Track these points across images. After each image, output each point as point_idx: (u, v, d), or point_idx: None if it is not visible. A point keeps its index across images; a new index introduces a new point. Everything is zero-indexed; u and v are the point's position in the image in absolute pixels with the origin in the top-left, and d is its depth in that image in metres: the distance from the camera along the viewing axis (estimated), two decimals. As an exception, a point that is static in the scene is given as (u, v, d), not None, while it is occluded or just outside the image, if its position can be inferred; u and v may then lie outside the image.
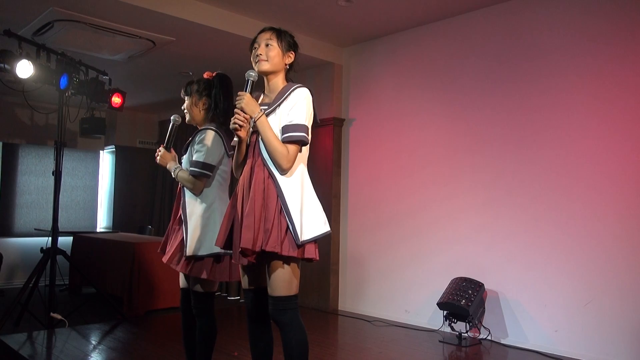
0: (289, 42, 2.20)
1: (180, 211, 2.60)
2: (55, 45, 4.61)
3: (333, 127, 5.38)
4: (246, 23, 4.64)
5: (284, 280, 2.05)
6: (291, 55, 2.20)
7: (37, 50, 4.39)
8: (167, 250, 2.62)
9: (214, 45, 4.92)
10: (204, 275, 2.51)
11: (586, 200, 3.71)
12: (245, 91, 2.10)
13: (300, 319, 2.10)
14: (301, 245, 2.02)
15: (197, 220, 2.53)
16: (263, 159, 2.08)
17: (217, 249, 2.47)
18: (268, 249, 1.98)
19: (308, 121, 2.09)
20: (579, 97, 3.80)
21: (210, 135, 2.56)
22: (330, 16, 4.63)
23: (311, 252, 2.06)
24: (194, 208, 2.57)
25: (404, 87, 4.95)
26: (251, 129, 2.14)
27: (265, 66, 2.14)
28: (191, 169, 2.54)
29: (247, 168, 2.15)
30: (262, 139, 2.06)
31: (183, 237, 2.54)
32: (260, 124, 2.05)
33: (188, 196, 2.60)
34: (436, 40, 4.72)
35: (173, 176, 2.62)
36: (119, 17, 4.22)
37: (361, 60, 5.36)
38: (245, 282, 2.25)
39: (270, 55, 2.14)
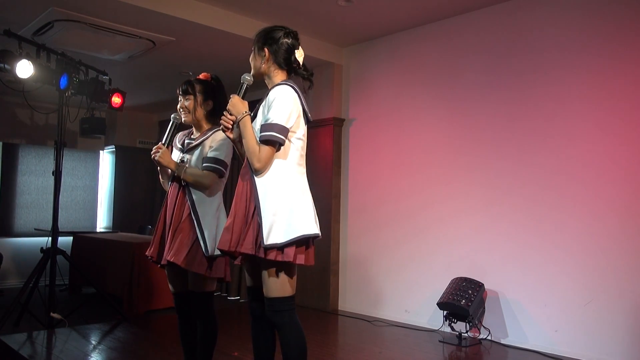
0: (260, 44, 2.19)
1: (189, 212, 2.54)
2: (55, 45, 4.61)
3: (333, 127, 5.38)
4: (246, 23, 4.64)
5: (276, 282, 2.03)
6: (263, 54, 2.17)
7: (37, 50, 4.38)
8: (171, 252, 2.49)
9: (214, 45, 4.92)
10: (221, 274, 2.54)
11: (586, 200, 3.71)
12: (238, 94, 2.12)
13: (297, 319, 2.08)
14: (270, 248, 1.96)
15: (211, 221, 2.53)
16: (249, 166, 2.10)
17: None
18: (242, 250, 1.98)
19: (286, 120, 2.03)
20: (580, 97, 3.79)
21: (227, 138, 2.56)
22: (330, 16, 4.63)
23: (289, 256, 1.98)
24: (205, 208, 2.55)
25: (404, 87, 4.95)
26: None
27: (252, 76, 2.20)
28: (209, 164, 2.53)
29: (241, 171, 2.18)
30: (242, 137, 2.09)
31: (197, 238, 2.49)
32: (242, 125, 2.07)
33: (197, 196, 2.56)
34: (436, 40, 4.72)
35: (178, 174, 2.55)
36: (119, 17, 4.22)
37: (361, 60, 5.36)
38: (248, 280, 2.26)
39: (252, 63, 2.21)
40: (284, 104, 2.04)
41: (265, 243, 1.96)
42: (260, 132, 2.03)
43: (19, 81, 4.34)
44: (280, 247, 1.97)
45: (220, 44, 4.90)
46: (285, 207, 2.02)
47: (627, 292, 3.48)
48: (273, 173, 2.06)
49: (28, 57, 4.21)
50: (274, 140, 2.02)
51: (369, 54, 5.29)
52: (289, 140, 2.07)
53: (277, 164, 2.06)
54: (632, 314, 3.45)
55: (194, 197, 2.56)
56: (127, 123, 7.98)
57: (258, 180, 2.05)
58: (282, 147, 2.06)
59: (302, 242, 2.04)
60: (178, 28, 4.48)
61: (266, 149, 2.02)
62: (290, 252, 1.99)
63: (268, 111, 2.05)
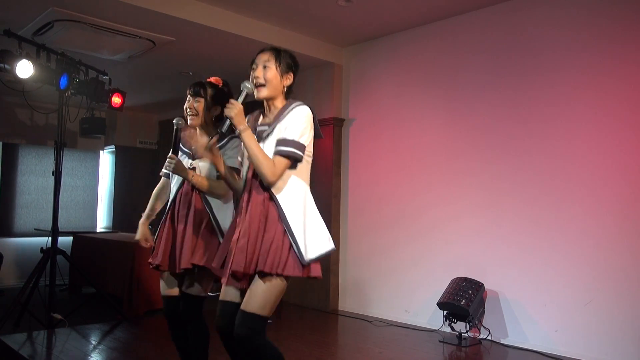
0: (287, 63, 2.14)
1: (208, 219, 2.52)
2: (55, 45, 4.61)
3: (333, 127, 5.38)
4: (246, 23, 4.64)
5: (265, 299, 1.99)
6: (290, 77, 2.15)
7: (37, 50, 4.38)
8: (196, 256, 2.48)
9: (214, 45, 4.92)
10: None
11: (586, 200, 3.71)
12: (239, 101, 2.06)
13: (267, 339, 2.03)
14: (307, 265, 2.00)
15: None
16: (263, 185, 2.04)
17: None
18: (266, 269, 1.94)
19: (304, 139, 2.04)
20: (580, 99, 3.80)
21: (240, 144, 2.53)
22: (330, 16, 4.62)
23: (317, 271, 2.05)
24: (225, 214, 2.56)
25: (404, 87, 4.95)
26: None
27: (263, 93, 2.10)
28: None
29: (245, 191, 2.11)
30: (247, 152, 2.03)
31: (219, 243, 2.47)
32: (245, 137, 2.01)
33: (215, 203, 2.54)
34: (436, 40, 4.72)
35: (192, 183, 2.52)
36: (119, 17, 4.22)
37: (361, 60, 5.36)
38: (231, 294, 2.14)
39: (268, 78, 2.09)
40: (304, 124, 2.05)
41: (306, 260, 1.99)
42: (278, 146, 2.01)
43: (19, 81, 4.34)
44: (307, 264, 2.00)
45: (220, 44, 4.89)
46: (312, 224, 2.05)
47: (627, 292, 3.48)
48: (294, 191, 2.05)
49: (28, 57, 4.21)
50: (292, 156, 2.02)
51: (369, 54, 5.29)
52: (307, 155, 2.09)
53: (296, 181, 2.06)
54: (632, 314, 3.45)
55: (212, 204, 2.55)
56: (127, 123, 7.97)
57: (284, 200, 2.02)
58: (299, 165, 2.07)
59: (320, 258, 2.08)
60: (178, 28, 4.48)
61: (282, 161, 2.01)
62: (317, 267, 2.05)
63: (288, 128, 2.03)
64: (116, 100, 4.96)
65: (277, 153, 2.01)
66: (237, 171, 2.34)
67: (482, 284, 4.06)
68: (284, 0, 4.31)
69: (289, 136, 2.02)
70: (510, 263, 4.07)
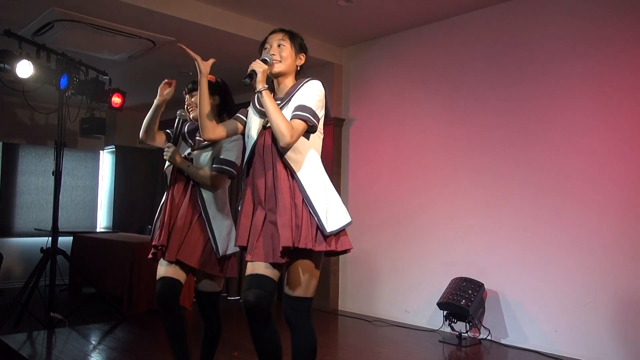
0: (300, 44, 2.21)
1: (200, 212, 2.55)
2: (55, 45, 4.61)
3: (333, 127, 5.38)
4: (246, 23, 4.65)
5: (307, 280, 2.04)
6: (302, 57, 2.21)
7: (37, 50, 4.38)
8: (184, 252, 2.49)
9: (214, 45, 4.92)
10: (234, 274, 2.59)
11: (585, 201, 3.71)
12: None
13: (312, 322, 2.09)
14: (329, 236, 2.01)
15: (221, 222, 2.55)
16: (284, 160, 2.05)
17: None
18: (301, 245, 1.96)
19: (319, 110, 2.07)
20: (579, 99, 3.80)
21: (240, 139, 2.57)
22: (330, 16, 4.63)
23: (347, 243, 2.07)
24: (215, 209, 2.57)
25: (404, 87, 4.95)
26: (250, 134, 2.15)
27: (279, 68, 2.13)
28: (220, 166, 2.52)
29: (262, 167, 2.10)
30: (266, 111, 2.01)
31: (210, 239, 2.50)
32: (265, 95, 2.01)
33: (208, 196, 2.57)
34: (436, 41, 4.72)
35: (187, 173, 2.56)
36: (119, 17, 4.22)
37: (361, 60, 5.36)
38: (267, 271, 2.10)
39: (284, 56, 2.14)
40: (319, 96, 2.08)
41: (327, 232, 1.99)
42: (296, 111, 2.02)
43: (19, 81, 4.35)
44: (337, 234, 2.03)
45: (220, 44, 4.89)
46: (331, 195, 2.08)
47: (627, 293, 3.48)
48: (313, 164, 2.07)
49: (28, 57, 4.21)
50: (309, 122, 2.02)
51: (369, 54, 5.29)
52: (319, 132, 2.12)
53: (314, 155, 2.09)
54: (632, 314, 3.45)
55: (204, 196, 2.56)
56: (127, 123, 7.97)
57: (305, 177, 2.03)
58: (313, 138, 2.08)
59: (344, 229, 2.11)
60: (178, 28, 4.49)
61: (301, 126, 2.01)
62: (346, 239, 2.07)
63: (304, 98, 2.05)
64: (116, 100, 4.95)
65: (295, 117, 2.02)
66: (228, 162, 2.52)
67: (482, 284, 4.06)
68: (284, 0, 4.31)
69: (307, 104, 2.04)
70: (510, 263, 4.07)
